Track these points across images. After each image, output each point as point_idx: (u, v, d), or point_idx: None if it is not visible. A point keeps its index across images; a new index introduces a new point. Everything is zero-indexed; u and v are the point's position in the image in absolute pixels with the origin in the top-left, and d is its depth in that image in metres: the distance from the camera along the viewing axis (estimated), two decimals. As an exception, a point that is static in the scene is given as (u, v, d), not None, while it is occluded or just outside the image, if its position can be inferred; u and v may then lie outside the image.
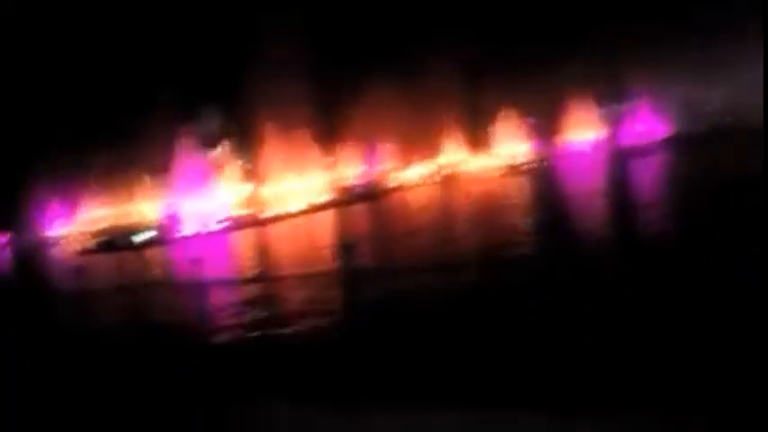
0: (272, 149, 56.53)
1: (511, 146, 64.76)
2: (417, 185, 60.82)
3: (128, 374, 9.29)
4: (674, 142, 55.10)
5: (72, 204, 72.81)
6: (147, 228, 49.34)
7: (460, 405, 5.39)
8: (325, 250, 24.95)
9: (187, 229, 44.15)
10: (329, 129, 71.27)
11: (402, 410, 5.43)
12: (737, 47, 69.41)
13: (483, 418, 4.84)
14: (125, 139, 65.06)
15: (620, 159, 47.93)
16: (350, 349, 8.89)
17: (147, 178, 63.79)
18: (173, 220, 46.53)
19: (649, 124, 62.65)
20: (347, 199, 52.94)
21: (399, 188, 60.31)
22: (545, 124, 67.71)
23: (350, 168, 73.13)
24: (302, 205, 51.60)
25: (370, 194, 54.81)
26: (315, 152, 61.87)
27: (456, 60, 67.66)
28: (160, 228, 47.46)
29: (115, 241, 45.61)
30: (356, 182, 67.38)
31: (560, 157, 58.77)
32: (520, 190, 41.05)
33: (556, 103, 65.59)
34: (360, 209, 46.49)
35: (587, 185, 35.34)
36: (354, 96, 74.90)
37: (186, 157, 48.73)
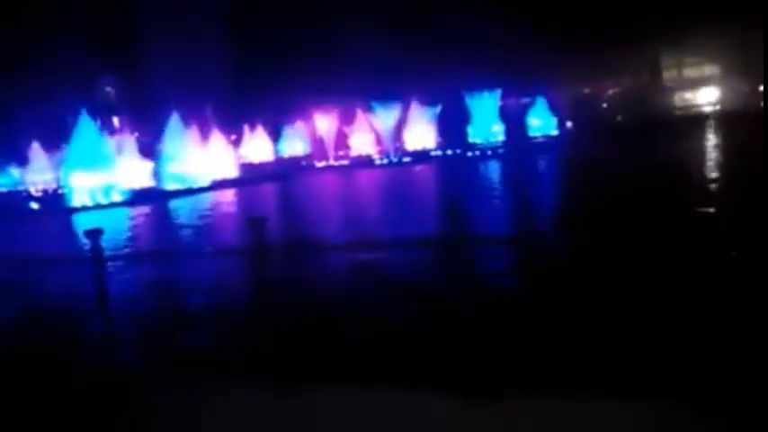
0: (174, 125, 54.19)
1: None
2: (326, 167, 60.38)
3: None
4: (569, 139, 57.93)
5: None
6: (40, 196, 46.43)
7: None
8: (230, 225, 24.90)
9: (80, 201, 41.71)
10: (235, 106, 69.67)
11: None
12: (629, 50, 74.62)
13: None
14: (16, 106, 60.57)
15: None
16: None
17: (38, 147, 59.38)
18: (65, 191, 43.92)
19: (546, 120, 65.14)
20: (253, 177, 51.96)
21: (306, 169, 59.76)
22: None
23: (256, 148, 71.69)
24: (205, 182, 50.17)
25: (276, 174, 54.09)
26: (219, 130, 59.94)
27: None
28: (53, 198, 44.78)
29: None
30: (263, 161, 66.31)
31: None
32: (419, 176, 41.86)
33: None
34: (267, 188, 45.80)
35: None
36: (262, 75, 73.51)
37: (83, 127, 45.75)
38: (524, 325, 8.26)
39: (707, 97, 76.29)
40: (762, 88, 57.55)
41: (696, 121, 58.22)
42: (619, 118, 71.50)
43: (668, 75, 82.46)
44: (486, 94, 62.94)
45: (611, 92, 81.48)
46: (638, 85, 79.26)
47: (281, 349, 5.67)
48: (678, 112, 72.04)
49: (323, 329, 9.02)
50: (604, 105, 79.78)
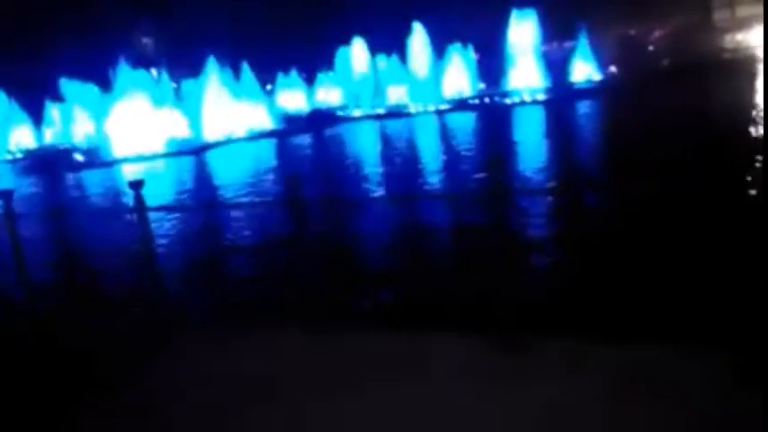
0: (210, 75, 54.26)
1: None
2: (363, 116, 59.81)
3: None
4: (613, 84, 56.05)
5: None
6: (81, 149, 47.48)
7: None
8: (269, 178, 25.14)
9: (123, 152, 42.44)
10: (270, 55, 69.27)
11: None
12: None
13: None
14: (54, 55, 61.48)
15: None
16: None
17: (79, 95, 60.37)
18: (108, 142, 44.76)
19: (589, 65, 63.04)
20: (290, 127, 51.95)
21: (344, 119, 59.37)
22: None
23: (291, 97, 71.58)
24: (242, 132, 50.40)
25: (313, 124, 53.97)
26: (254, 79, 59.68)
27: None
28: (94, 149, 45.69)
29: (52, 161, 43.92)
30: (298, 111, 66.21)
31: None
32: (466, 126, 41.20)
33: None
34: (304, 139, 45.79)
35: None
36: (297, 23, 72.58)
37: (122, 79, 46.21)
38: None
39: (760, 38, 72.57)
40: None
41: (748, 64, 55.54)
42: (665, 62, 68.69)
43: (719, 15, 78.58)
44: (525, 38, 60.90)
45: (657, 34, 78.20)
46: (687, 25, 75.74)
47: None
48: (729, 55, 68.78)
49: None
50: (650, 48, 76.74)
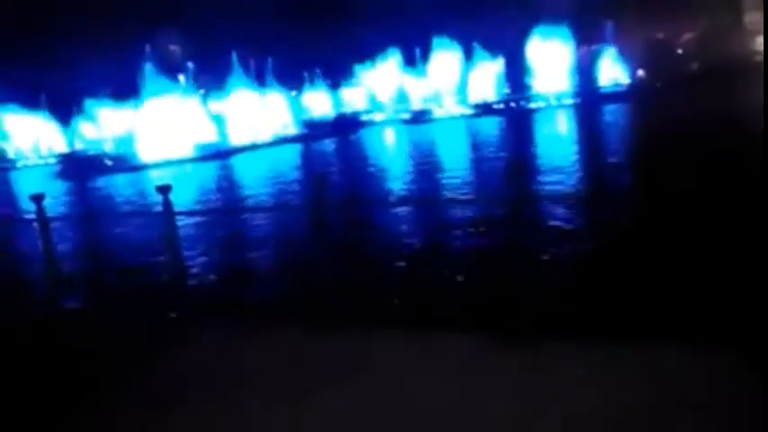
0: (236, 81, 55.01)
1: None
2: (387, 121, 59.93)
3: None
4: (640, 88, 55.38)
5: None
6: (110, 153, 48.43)
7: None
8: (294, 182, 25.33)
9: (150, 157, 43.12)
10: (296, 60, 69.83)
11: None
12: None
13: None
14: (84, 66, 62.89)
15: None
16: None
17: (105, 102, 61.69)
18: (135, 147, 45.57)
19: (616, 69, 62.46)
20: (316, 132, 52.29)
21: (372, 123, 59.55)
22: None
23: (317, 102, 72.07)
24: (269, 137, 50.84)
25: (340, 128, 54.29)
26: (280, 85, 60.21)
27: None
28: (123, 154, 46.56)
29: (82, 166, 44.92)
30: (324, 116, 66.64)
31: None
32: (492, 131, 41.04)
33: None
34: (329, 143, 46.05)
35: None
36: (322, 29, 73.02)
37: (150, 85, 47.04)
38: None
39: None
40: None
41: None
42: (695, 66, 67.68)
43: (750, 17, 77.13)
44: (554, 41, 60.52)
45: (686, 37, 77.11)
46: (717, 28, 74.49)
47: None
48: (759, 58, 67.45)
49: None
50: (679, 51, 75.68)
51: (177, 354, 5.49)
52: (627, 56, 62.04)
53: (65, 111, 71.76)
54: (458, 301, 7.47)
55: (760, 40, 73.25)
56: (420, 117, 57.07)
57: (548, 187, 16.04)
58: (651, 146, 22.72)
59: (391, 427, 3.97)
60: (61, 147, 71.76)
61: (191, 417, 4.40)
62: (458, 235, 11.64)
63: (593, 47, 65.79)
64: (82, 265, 12.30)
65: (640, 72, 63.85)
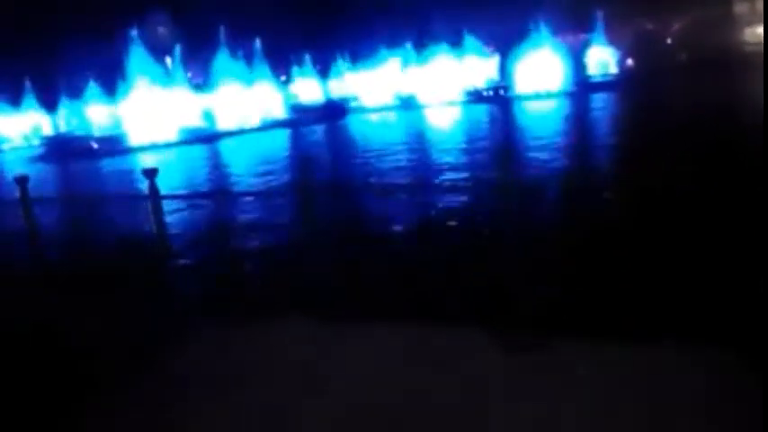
0: (223, 65, 54.38)
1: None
2: (377, 108, 59.59)
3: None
4: (630, 78, 55.47)
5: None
6: (95, 137, 47.84)
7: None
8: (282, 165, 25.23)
9: (137, 140, 42.69)
10: (285, 45, 69.25)
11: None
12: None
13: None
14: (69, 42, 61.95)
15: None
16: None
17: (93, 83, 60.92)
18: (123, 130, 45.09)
19: (605, 58, 62.32)
20: (304, 117, 51.93)
21: (357, 110, 59.23)
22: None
23: (306, 88, 71.59)
24: (256, 121, 50.44)
25: (328, 114, 53.94)
26: (269, 69, 59.59)
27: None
28: (109, 138, 46.04)
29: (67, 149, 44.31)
30: (312, 102, 66.16)
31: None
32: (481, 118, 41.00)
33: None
34: (318, 128, 45.80)
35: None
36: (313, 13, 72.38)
37: (137, 68, 46.39)
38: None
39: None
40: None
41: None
42: (684, 56, 67.87)
43: (739, 8, 77.41)
44: (542, 32, 60.31)
45: (675, 27, 77.27)
46: (706, 19, 74.70)
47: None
48: (749, 49, 67.76)
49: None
50: (668, 41, 75.86)
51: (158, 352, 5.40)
52: (616, 45, 62.04)
53: (49, 92, 70.81)
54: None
55: (749, 31, 73.65)
56: (407, 104, 56.90)
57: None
58: (633, 135, 22.82)
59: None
60: (46, 129, 70.86)
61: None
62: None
63: (583, 36, 65.72)
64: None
65: (630, 62, 63.94)
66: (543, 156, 19.49)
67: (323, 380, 4.55)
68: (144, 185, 7.82)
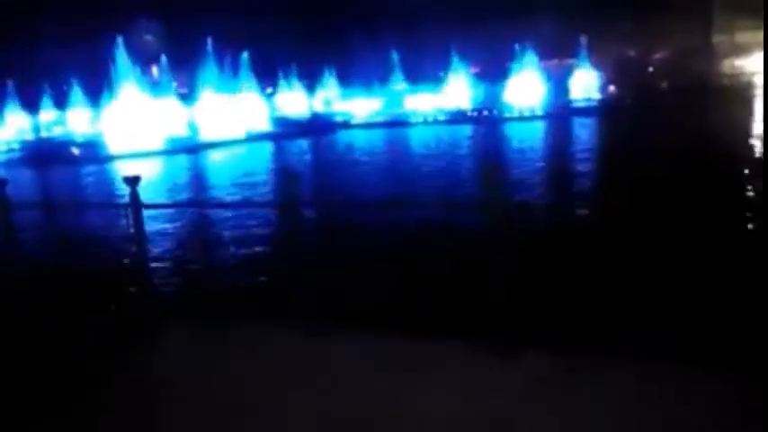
0: (209, 72, 54.37)
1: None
2: (363, 124, 59.82)
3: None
4: (611, 104, 56.28)
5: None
6: (77, 143, 47.43)
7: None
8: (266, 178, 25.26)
9: (120, 148, 42.37)
10: (272, 58, 69.42)
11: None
12: (677, 11, 71.75)
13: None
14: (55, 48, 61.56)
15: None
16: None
17: (79, 94, 60.45)
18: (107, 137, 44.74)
19: (588, 84, 63.27)
20: (289, 131, 51.93)
21: (342, 125, 59.36)
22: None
23: (292, 101, 71.69)
24: (240, 133, 50.31)
25: (313, 128, 54.00)
26: (255, 82, 59.60)
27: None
28: (91, 144, 45.68)
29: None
30: (298, 114, 66.21)
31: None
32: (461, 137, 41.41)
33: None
34: (303, 142, 45.86)
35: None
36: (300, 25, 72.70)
37: (123, 75, 46.21)
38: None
39: (759, 64, 73.10)
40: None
41: (745, 90, 56.00)
42: (664, 84, 69.20)
43: (719, 39, 79.27)
44: (526, 56, 61.21)
45: (657, 56, 78.84)
46: (687, 49, 76.38)
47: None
48: (727, 80, 69.31)
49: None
50: (650, 69, 77.33)
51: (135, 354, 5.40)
52: (599, 72, 63.11)
53: (31, 97, 70.10)
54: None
55: (728, 63, 75.35)
56: (393, 122, 57.18)
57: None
58: (614, 158, 23.21)
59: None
60: (26, 134, 70.03)
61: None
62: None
63: (567, 61, 66.73)
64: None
65: (612, 88, 64.97)
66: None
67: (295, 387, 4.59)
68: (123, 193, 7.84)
